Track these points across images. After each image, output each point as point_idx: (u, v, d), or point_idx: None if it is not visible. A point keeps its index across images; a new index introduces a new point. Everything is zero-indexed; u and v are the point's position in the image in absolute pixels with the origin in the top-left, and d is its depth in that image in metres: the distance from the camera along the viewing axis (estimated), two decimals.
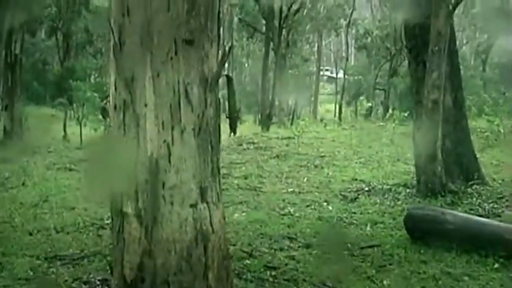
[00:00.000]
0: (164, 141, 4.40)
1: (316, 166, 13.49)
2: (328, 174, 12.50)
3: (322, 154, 15.14)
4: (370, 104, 33.22)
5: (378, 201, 9.77)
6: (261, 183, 11.64)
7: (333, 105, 49.79)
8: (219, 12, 4.62)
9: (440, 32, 9.00)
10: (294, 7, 43.59)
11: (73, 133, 20.04)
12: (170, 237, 4.47)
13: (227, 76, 5.18)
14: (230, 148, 16.73)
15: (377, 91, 47.10)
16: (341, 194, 10.36)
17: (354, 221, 8.53)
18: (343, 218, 8.70)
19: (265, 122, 28.84)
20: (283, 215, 8.98)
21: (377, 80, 47.19)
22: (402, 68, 45.36)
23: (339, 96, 44.44)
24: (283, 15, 31.89)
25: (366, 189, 10.72)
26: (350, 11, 41.64)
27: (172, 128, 4.39)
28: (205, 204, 4.56)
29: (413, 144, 10.43)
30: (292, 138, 18.38)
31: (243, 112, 42.25)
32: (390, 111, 26.49)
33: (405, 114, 19.13)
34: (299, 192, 10.74)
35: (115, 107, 4.53)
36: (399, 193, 10.23)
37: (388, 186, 10.78)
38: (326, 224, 8.38)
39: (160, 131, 4.39)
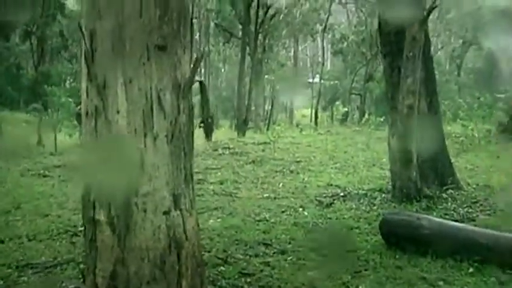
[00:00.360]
0: (137, 148, 4.36)
1: (291, 171, 13.49)
2: (303, 179, 12.49)
3: (298, 159, 15.14)
4: (346, 109, 33.24)
5: (353, 206, 9.76)
6: (236, 189, 11.60)
7: (310, 110, 49.93)
8: (191, 18, 4.60)
9: (414, 38, 9.05)
10: (271, 12, 43.82)
11: (48, 139, 19.82)
12: (143, 245, 4.43)
13: (200, 82, 5.16)
14: (205, 153, 16.67)
15: (353, 96, 47.38)
16: (316, 200, 10.34)
17: (330, 227, 8.53)
18: (318, 223, 8.69)
19: (241, 127, 28.82)
20: (259, 221, 8.94)
21: (352, 85, 47.46)
22: (377, 73, 45.68)
23: (315, 101, 44.48)
24: (260, 20, 31.83)
25: (342, 194, 10.72)
26: (326, 16, 41.70)
27: (145, 135, 4.35)
28: (178, 212, 4.53)
29: (388, 150, 10.45)
30: (268, 143, 18.39)
31: (220, 117, 42.24)
32: (366, 116, 26.69)
33: (381, 120, 19.22)
34: (275, 198, 10.71)
35: (87, 114, 4.48)
36: (375, 198, 10.24)
37: (363, 192, 10.79)
38: (302, 229, 8.35)
39: (133, 137, 4.35)
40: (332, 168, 13.92)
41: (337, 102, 38.36)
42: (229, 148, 17.68)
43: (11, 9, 26.64)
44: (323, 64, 48.49)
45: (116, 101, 4.31)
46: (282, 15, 47.95)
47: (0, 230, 8.29)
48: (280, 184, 12.05)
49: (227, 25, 44.87)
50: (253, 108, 48.14)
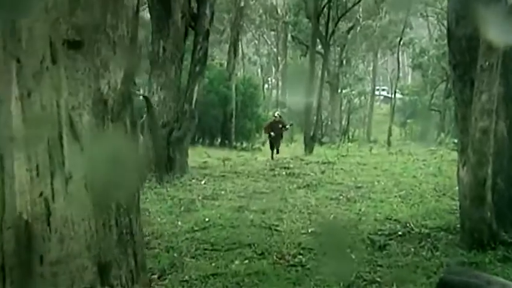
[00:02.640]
0: (41, 194, 2.90)
1: (348, 199, 11.81)
2: (360, 210, 10.77)
3: (359, 184, 13.47)
4: (419, 128, 31.24)
5: (412, 250, 7.99)
6: (279, 220, 10.01)
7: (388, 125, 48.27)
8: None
9: (491, 44, 7.21)
10: (349, 25, 42.20)
11: None
12: None
13: (145, 98, 3.65)
14: (259, 174, 15.30)
15: (433, 112, 45.15)
16: (369, 238, 8.63)
17: (378, 279, 6.82)
18: (364, 274, 6.99)
19: (309, 143, 27.21)
20: (292, 265, 7.34)
21: (432, 101, 45.23)
22: None
23: (395, 118, 42.56)
24: (330, 32, 30.25)
25: (400, 232, 8.95)
26: (402, 28, 39.66)
27: (52, 175, 2.88)
28: None
29: (457, 184, 8.60)
30: (332, 163, 16.84)
31: (296, 131, 40.53)
32: (442, 135, 24.67)
33: (455, 140, 17.27)
34: (320, 234, 9.08)
35: None
36: (439, 240, 8.45)
37: (427, 230, 8.99)
38: (342, 282, 6.69)
39: (34, 178, 2.88)
40: (395, 196, 12.13)
41: (411, 119, 36.31)
42: (287, 168, 16.25)
43: None
44: (397, 78, 46.26)
45: (9, 124, 2.85)
46: (359, 28, 46.38)
47: None
48: (332, 215, 10.40)
49: (304, 38, 43.80)
50: (329, 123, 46.69)
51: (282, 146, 24.03)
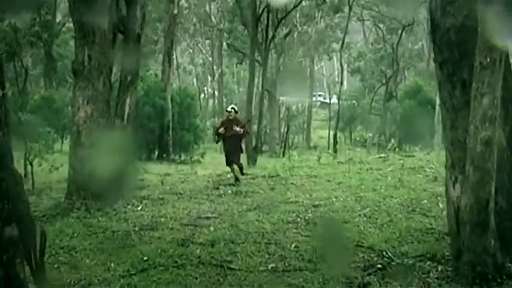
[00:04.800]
0: None
1: (308, 222, 10.31)
2: (324, 236, 9.30)
3: (316, 202, 11.97)
4: (370, 134, 30.34)
5: None
6: (231, 254, 8.44)
7: (327, 131, 47.74)
8: None
9: (492, 36, 5.81)
10: (285, 31, 41.10)
11: None
12: None
13: None
14: (203, 193, 13.66)
15: (372, 116, 44.55)
16: (344, 278, 7.16)
17: None
18: None
19: (252, 154, 25.72)
20: None
21: (372, 105, 44.65)
22: (398, 91, 42.83)
23: (332, 123, 41.75)
24: (269, 38, 28.92)
25: (379, 265, 7.53)
26: (343, 33, 38.79)
27: None
28: None
29: (446, 205, 7.17)
30: (280, 177, 15.35)
31: None
32: (392, 141, 23.59)
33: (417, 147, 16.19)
34: (283, 271, 7.57)
35: None
36: (428, 272, 7.07)
37: (410, 261, 7.58)
38: None
39: None
40: (359, 215, 10.70)
41: (358, 126, 35.62)
42: (232, 185, 14.60)
43: None
44: (341, 83, 45.64)
45: None
46: (296, 34, 45.37)
47: None
48: (293, 244, 8.89)
49: (239, 45, 42.70)
50: (268, 131, 45.50)
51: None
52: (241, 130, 14.88)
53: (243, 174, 15.42)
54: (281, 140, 44.44)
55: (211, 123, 38.84)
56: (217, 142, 16.89)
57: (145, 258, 8.27)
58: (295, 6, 32.00)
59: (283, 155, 31.24)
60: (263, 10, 27.13)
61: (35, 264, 4.29)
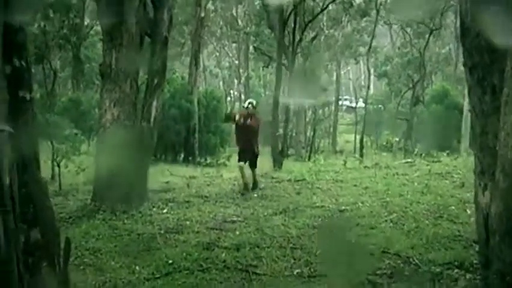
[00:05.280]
0: None
1: (334, 227, 10.27)
2: (349, 241, 9.22)
3: (342, 207, 11.92)
4: (396, 139, 30.10)
5: None
6: (256, 259, 8.40)
7: (353, 135, 47.61)
8: None
9: None
10: (312, 34, 40.93)
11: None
12: None
13: None
14: (228, 197, 13.65)
15: (399, 121, 44.21)
16: (369, 281, 7.10)
17: None
18: None
19: (277, 158, 25.61)
20: None
21: (398, 109, 44.31)
22: (425, 96, 42.51)
23: (359, 127, 41.51)
24: (296, 42, 28.79)
25: (407, 272, 7.45)
26: (370, 37, 38.61)
27: None
28: None
29: (475, 212, 7.02)
30: (306, 181, 15.30)
31: (263, 144, 38.84)
32: (418, 146, 23.45)
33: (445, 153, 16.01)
34: (309, 277, 7.52)
35: None
36: (455, 280, 6.97)
37: (437, 268, 7.49)
38: None
39: None
40: (386, 221, 10.61)
41: (384, 131, 35.39)
42: (258, 189, 14.54)
43: None
44: (368, 87, 45.36)
45: None
46: (323, 38, 45.21)
47: None
48: (319, 250, 8.83)
49: (266, 48, 42.58)
50: (294, 134, 45.39)
51: None
52: (253, 123, 14.28)
53: (254, 187, 14.65)
54: (307, 144, 44.28)
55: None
56: (224, 122, 16.06)
57: (170, 261, 8.26)
58: (322, 10, 31.89)
59: (309, 159, 31.07)
60: (290, 13, 27.01)
61: (58, 270, 4.27)
